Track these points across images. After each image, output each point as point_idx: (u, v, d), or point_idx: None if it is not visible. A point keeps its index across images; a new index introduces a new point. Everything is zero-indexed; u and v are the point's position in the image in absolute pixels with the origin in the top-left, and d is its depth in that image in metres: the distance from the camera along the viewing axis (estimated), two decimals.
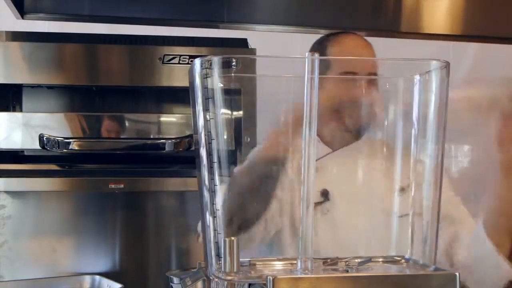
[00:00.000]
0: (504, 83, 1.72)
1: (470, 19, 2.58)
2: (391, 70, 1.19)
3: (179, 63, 2.04)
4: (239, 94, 1.85)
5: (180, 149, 2.03)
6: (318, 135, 1.49)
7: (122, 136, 2.12)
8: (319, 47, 1.72)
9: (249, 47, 2.14)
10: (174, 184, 2.09)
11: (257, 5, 2.26)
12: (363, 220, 1.46)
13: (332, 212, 1.55)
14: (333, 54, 1.65)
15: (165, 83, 2.08)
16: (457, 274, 0.95)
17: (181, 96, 2.17)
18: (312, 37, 2.51)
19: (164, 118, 2.18)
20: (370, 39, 2.67)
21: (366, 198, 1.45)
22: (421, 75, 1.09)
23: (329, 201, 1.55)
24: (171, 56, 2.04)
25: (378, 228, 1.33)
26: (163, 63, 2.04)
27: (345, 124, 1.55)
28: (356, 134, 1.56)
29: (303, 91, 1.16)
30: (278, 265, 1.06)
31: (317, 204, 1.53)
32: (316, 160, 1.42)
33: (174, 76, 2.07)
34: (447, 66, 1.04)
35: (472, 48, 2.77)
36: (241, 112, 1.98)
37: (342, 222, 1.54)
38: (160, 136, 2.09)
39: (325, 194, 1.55)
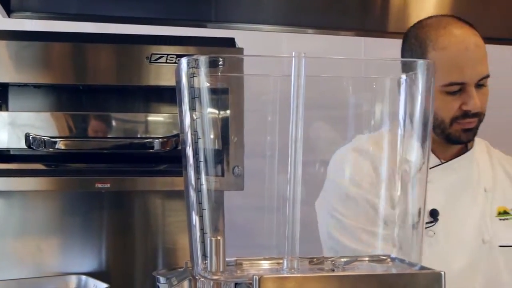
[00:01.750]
0: None
1: None
2: (378, 70, 1.19)
3: (166, 62, 2.03)
4: (226, 93, 1.84)
5: (167, 149, 2.03)
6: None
7: (109, 136, 2.11)
8: (415, 43, 1.55)
9: (237, 46, 2.14)
10: (160, 183, 2.08)
11: (245, 5, 2.25)
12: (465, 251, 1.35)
13: (438, 236, 1.41)
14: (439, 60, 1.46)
15: (153, 82, 2.07)
16: (442, 273, 0.96)
17: (169, 96, 2.17)
18: (300, 37, 2.52)
19: (152, 117, 2.18)
20: (357, 39, 2.70)
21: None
22: (408, 75, 1.09)
23: (437, 222, 1.41)
24: (158, 55, 2.04)
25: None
26: (150, 62, 2.04)
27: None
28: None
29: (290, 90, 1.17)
30: (265, 264, 1.06)
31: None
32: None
33: (162, 75, 2.06)
34: (433, 66, 1.04)
35: None
36: (228, 112, 1.98)
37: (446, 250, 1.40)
38: (147, 136, 2.09)
39: (433, 215, 1.40)
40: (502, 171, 1.42)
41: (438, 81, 1.28)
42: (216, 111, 1.19)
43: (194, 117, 1.01)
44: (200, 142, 1.01)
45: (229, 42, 2.13)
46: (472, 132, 1.43)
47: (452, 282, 1.31)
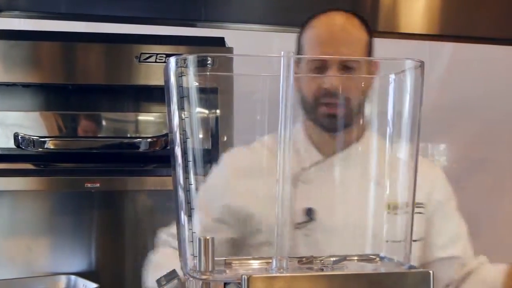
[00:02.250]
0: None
1: (446, 20, 2.60)
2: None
3: (156, 61, 2.03)
4: (215, 93, 1.85)
5: (157, 148, 2.02)
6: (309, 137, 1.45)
7: (98, 135, 2.10)
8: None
9: (226, 46, 2.14)
10: (150, 183, 2.08)
11: (235, 4, 2.26)
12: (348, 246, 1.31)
13: (316, 235, 1.39)
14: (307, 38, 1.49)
15: (142, 81, 2.07)
16: (431, 272, 0.96)
17: (159, 95, 2.15)
18: (291, 36, 2.52)
19: (142, 117, 2.17)
20: None
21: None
22: (396, 74, 1.09)
23: (314, 221, 1.39)
24: (148, 55, 2.03)
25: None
26: (139, 61, 2.03)
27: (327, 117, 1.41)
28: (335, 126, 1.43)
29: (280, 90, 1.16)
30: (254, 264, 1.06)
31: (299, 224, 1.39)
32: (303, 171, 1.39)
33: (151, 75, 2.06)
34: (421, 65, 1.04)
35: (448, 48, 2.80)
36: (217, 111, 1.98)
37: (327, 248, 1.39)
38: (137, 135, 2.08)
39: (309, 213, 1.39)
40: (396, 166, 1.39)
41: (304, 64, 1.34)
42: (205, 111, 1.19)
43: (183, 116, 1.01)
44: (189, 141, 1.01)
45: (219, 42, 2.13)
46: (339, 120, 1.41)
47: None
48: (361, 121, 1.44)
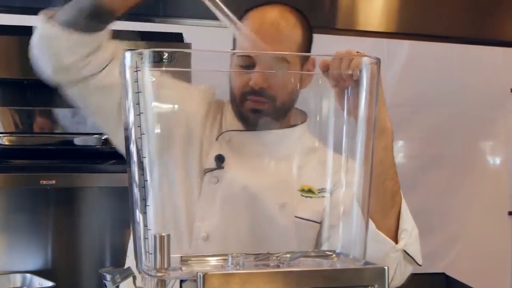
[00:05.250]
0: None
1: (404, 18, 2.63)
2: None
3: None
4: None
5: (114, 144, 2.00)
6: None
7: (54, 131, 2.08)
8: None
9: (185, 41, 2.12)
10: (106, 179, 2.06)
11: (193, 0, 2.24)
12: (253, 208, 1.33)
13: (221, 184, 1.37)
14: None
15: None
16: (385, 268, 0.97)
17: None
18: None
19: None
20: None
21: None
22: (353, 71, 1.10)
23: (221, 170, 1.37)
24: None
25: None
26: None
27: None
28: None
29: None
30: (211, 261, 1.06)
31: (207, 170, 1.36)
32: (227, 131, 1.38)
33: None
34: (378, 62, 1.05)
35: (405, 45, 2.83)
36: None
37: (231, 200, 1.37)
38: (94, 132, 2.06)
39: (219, 160, 1.37)
40: (317, 159, 1.40)
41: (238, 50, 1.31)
42: (162, 106, 1.18)
43: (138, 112, 1.00)
44: (144, 137, 1.00)
45: (177, 37, 2.12)
46: (263, 116, 1.41)
47: (238, 241, 1.32)
48: (289, 118, 1.43)
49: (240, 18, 1.41)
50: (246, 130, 1.41)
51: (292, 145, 1.41)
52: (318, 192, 1.34)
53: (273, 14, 1.41)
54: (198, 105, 1.45)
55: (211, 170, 1.36)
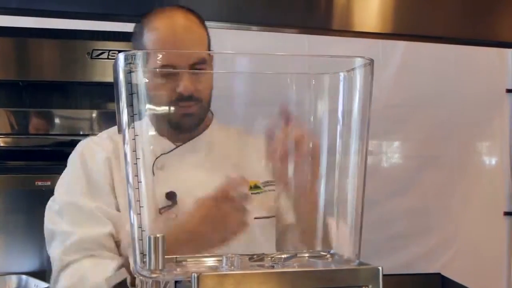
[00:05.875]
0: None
1: (399, 19, 2.63)
2: (318, 66, 1.20)
3: (108, 58, 2.01)
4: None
5: None
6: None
7: (51, 133, 2.08)
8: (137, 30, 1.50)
9: None
10: None
11: (187, 1, 2.24)
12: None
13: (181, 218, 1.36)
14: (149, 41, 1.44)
15: (95, 78, 2.05)
16: (380, 268, 0.97)
17: (112, 92, 2.14)
18: (244, 34, 2.52)
19: (95, 114, 2.15)
20: (303, 36, 2.71)
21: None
22: (347, 72, 1.10)
23: (176, 205, 1.36)
24: (100, 51, 2.01)
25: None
26: (92, 58, 2.01)
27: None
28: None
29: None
30: (206, 262, 1.06)
31: (163, 210, 1.34)
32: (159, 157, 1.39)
33: (104, 71, 2.04)
34: (371, 63, 1.05)
35: (401, 46, 2.83)
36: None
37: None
38: (89, 133, 2.06)
39: (171, 197, 1.36)
40: (253, 149, 1.41)
41: (152, 63, 1.27)
42: (155, 108, 1.18)
43: (132, 113, 1.00)
44: (138, 139, 1.00)
45: None
46: (194, 117, 1.43)
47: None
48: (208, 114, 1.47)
49: (143, 22, 1.43)
50: (171, 150, 1.41)
51: (221, 143, 1.43)
52: (264, 186, 1.33)
53: (182, 18, 1.45)
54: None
55: (167, 209, 1.35)
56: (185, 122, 1.42)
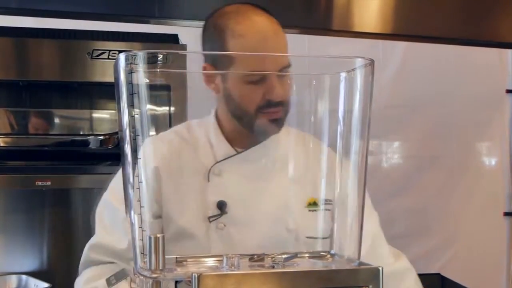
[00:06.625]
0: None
1: (399, 19, 2.63)
2: (318, 67, 1.20)
3: (108, 58, 2.01)
4: (168, 89, 1.84)
5: (109, 146, 2.01)
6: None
7: (50, 133, 2.08)
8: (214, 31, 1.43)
9: (180, 42, 2.12)
10: (102, 181, 2.05)
11: (189, 1, 2.24)
12: (264, 241, 1.30)
13: (229, 228, 1.36)
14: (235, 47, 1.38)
15: (95, 78, 2.05)
16: (380, 268, 0.97)
17: (112, 92, 2.13)
18: None
19: (95, 114, 2.15)
20: (303, 36, 2.71)
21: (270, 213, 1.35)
22: (348, 72, 1.10)
23: (226, 215, 1.36)
24: (100, 51, 2.01)
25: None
26: (92, 58, 2.01)
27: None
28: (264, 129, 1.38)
29: None
30: (206, 262, 1.06)
31: (212, 219, 1.35)
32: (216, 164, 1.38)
33: (104, 72, 2.04)
34: (371, 64, 1.05)
35: (401, 46, 2.83)
36: (170, 108, 1.97)
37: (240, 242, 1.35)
38: (90, 133, 2.06)
39: (221, 207, 1.35)
40: (317, 163, 1.38)
41: (240, 70, 1.26)
42: (156, 108, 1.18)
43: (133, 113, 1.00)
44: (139, 139, 1.00)
45: (173, 38, 2.12)
46: (279, 123, 1.40)
47: None
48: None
49: (224, 35, 1.38)
50: (232, 156, 1.40)
51: (285, 151, 1.40)
52: (323, 204, 1.31)
53: (266, 21, 1.39)
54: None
55: (216, 218, 1.36)
56: (271, 128, 1.38)
